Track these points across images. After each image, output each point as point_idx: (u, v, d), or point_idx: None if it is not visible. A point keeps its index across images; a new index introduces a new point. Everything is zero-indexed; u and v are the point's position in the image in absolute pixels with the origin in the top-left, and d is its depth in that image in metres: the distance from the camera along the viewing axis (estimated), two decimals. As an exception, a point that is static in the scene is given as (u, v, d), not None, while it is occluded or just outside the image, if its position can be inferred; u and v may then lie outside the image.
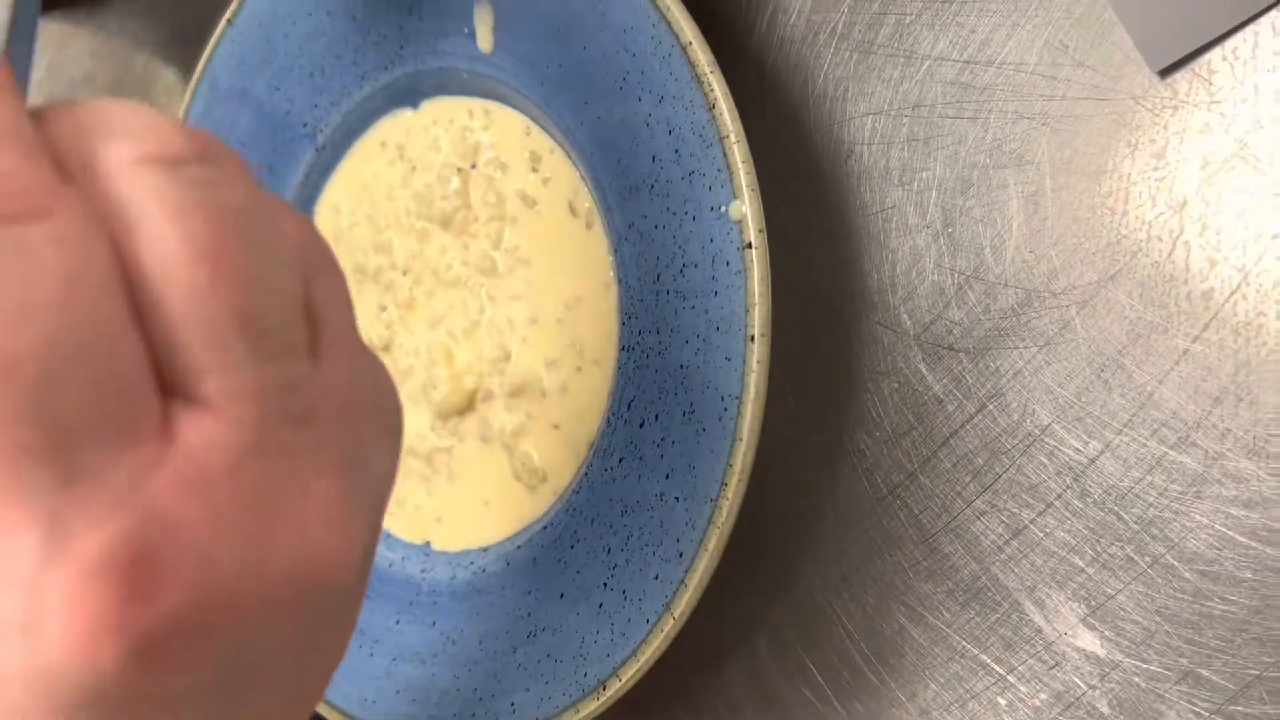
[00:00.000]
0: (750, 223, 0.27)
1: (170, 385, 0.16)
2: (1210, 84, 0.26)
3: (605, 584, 0.30)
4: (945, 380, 0.30)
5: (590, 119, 0.31)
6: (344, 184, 0.39)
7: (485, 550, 0.34)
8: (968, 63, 0.29)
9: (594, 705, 0.30)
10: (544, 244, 0.34)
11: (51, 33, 0.58)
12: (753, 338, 0.27)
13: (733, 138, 0.28)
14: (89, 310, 0.14)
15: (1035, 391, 0.29)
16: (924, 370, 0.30)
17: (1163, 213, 0.27)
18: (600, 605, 0.30)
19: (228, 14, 0.40)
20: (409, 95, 0.37)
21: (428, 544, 0.36)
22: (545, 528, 0.33)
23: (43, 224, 0.14)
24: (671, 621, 0.28)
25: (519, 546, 0.34)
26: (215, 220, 0.16)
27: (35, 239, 0.14)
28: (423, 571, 0.36)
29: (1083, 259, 0.28)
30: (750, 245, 0.27)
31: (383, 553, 0.37)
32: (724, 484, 0.28)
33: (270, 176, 0.40)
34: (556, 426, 0.33)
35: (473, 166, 0.35)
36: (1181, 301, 0.27)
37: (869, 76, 0.31)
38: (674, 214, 0.29)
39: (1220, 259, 0.26)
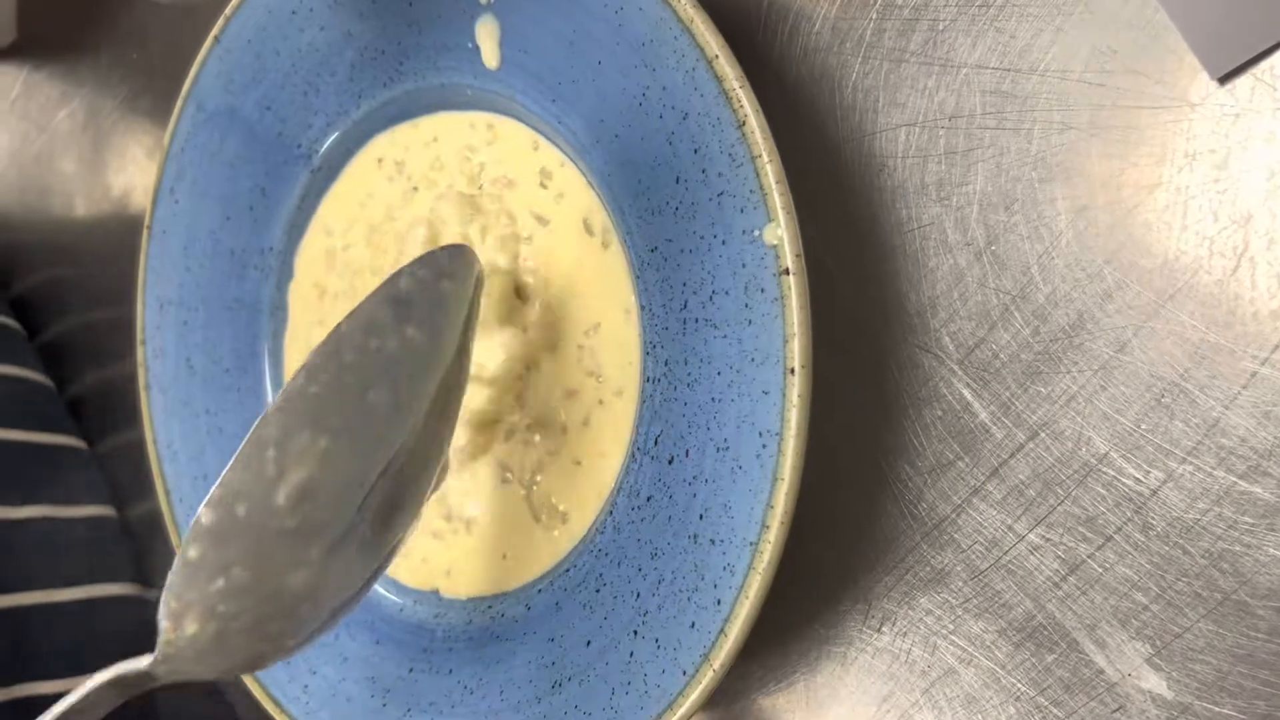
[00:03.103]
0: (787, 247, 0.26)
1: None
2: (1275, 90, 0.25)
3: (636, 631, 0.29)
4: (992, 407, 0.28)
5: (607, 137, 0.29)
6: (336, 204, 0.37)
7: (502, 595, 0.33)
8: (1008, 70, 0.28)
9: None
10: (559, 265, 0.32)
11: (21, 80, 0.56)
12: (793, 370, 0.26)
13: (765, 157, 0.26)
14: None
15: (1090, 418, 0.27)
16: (969, 396, 0.29)
17: (1226, 227, 0.25)
18: (631, 654, 0.29)
19: (214, 31, 0.38)
20: (408, 112, 0.35)
21: (435, 591, 0.34)
22: (568, 570, 0.31)
23: None
24: (711, 673, 0.27)
25: (540, 590, 0.32)
26: None
27: None
28: (435, 617, 0.34)
29: (1139, 277, 0.26)
30: (788, 271, 0.26)
31: (390, 598, 0.35)
32: (765, 527, 0.26)
33: (264, 199, 0.38)
34: (578, 463, 0.31)
35: (479, 188, 0.33)
36: (1248, 321, 0.25)
37: (901, 86, 0.29)
38: (701, 237, 0.28)
39: (1290, 276, 0.25)
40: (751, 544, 0.26)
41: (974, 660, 0.29)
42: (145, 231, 0.41)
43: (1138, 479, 0.26)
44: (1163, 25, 0.26)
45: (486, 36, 0.32)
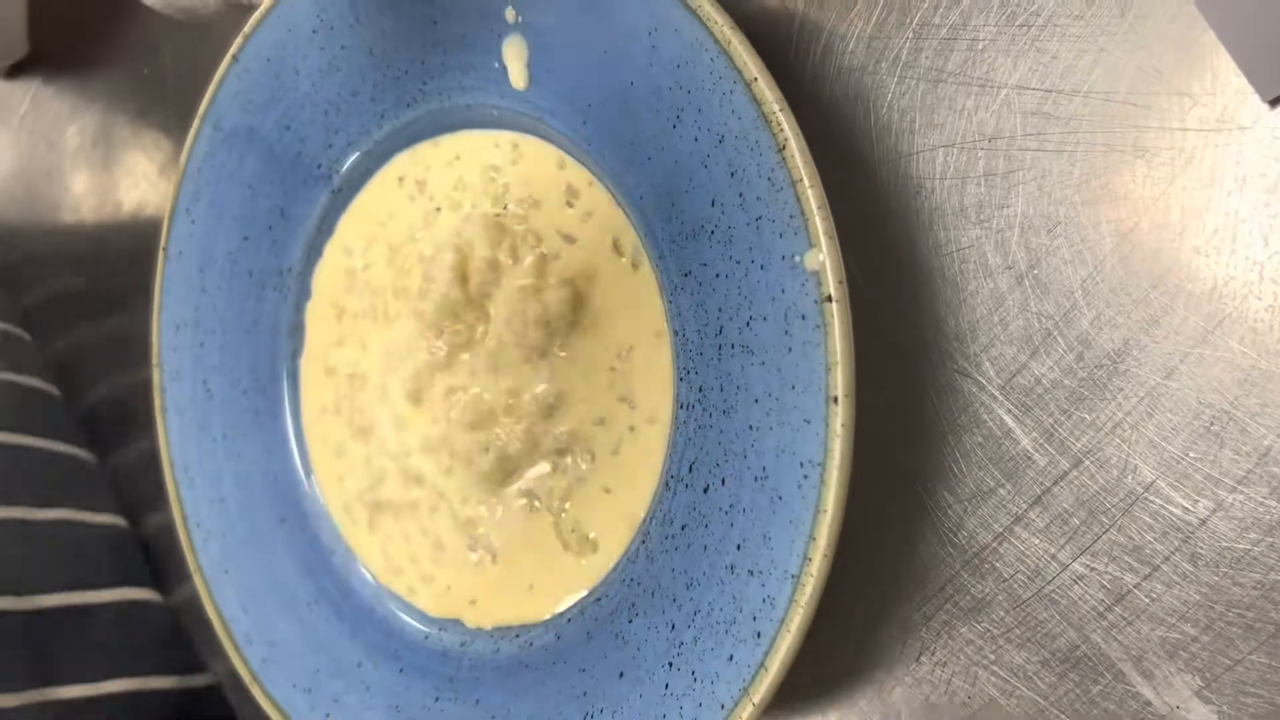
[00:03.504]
0: (830, 274, 0.25)
1: None
2: (1329, 113, 0.24)
3: (671, 663, 0.28)
4: (1035, 434, 0.28)
5: (639, 159, 0.29)
6: (356, 223, 0.37)
7: (529, 625, 0.32)
8: (1050, 91, 0.27)
9: None
10: (589, 286, 0.31)
11: (31, 95, 0.55)
12: (836, 399, 0.25)
13: (806, 181, 0.25)
14: None
15: (1137, 446, 0.26)
16: (1010, 423, 0.28)
17: (1277, 252, 0.25)
18: (666, 686, 0.28)
19: (232, 50, 0.37)
20: (429, 130, 0.35)
21: (458, 621, 0.34)
22: (599, 600, 0.30)
23: None
24: (751, 708, 0.26)
25: (570, 620, 0.31)
26: None
27: None
28: (462, 645, 0.34)
29: (1186, 302, 0.26)
30: (830, 298, 0.25)
31: (415, 625, 0.35)
32: (807, 559, 0.25)
33: (283, 220, 0.38)
34: (608, 490, 0.31)
35: (504, 208, 0.33)
36: (1300, 348, 0.25)
37: (939, 107, 0.29)
38: (738, 262, 0.27)
39: (1344, 302, 0.24)
40: (793, 576, 0.25)
41: (1016, 691, 0.28)
42: (161, 253, 0.40)
43: (1186, 508, 0.26)
44: (1210, 46, 0.25)
45: (514, 57, 0.31)
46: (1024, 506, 0.28)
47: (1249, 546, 0.25)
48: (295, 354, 0.38)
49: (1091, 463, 0.27)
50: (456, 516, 0.34)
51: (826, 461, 0.25)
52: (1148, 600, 0.26)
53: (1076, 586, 0.27)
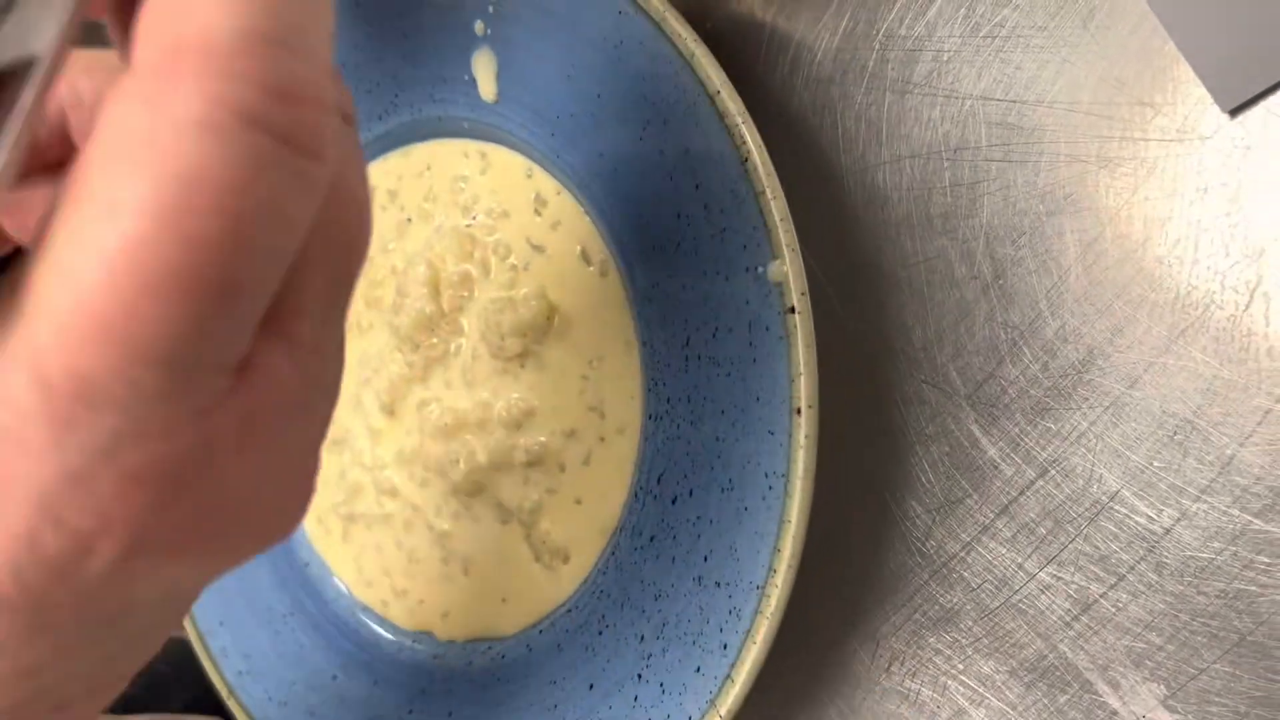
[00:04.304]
0: (792, 285, 0.25)
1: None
2: (1287, 123, 0.24)
3: (640, 675, 0.28)
4: (1001, 443, 0.28)
5: (606, 172, 0.29)
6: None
7: (502, 638, 0.32)
8: (1014, 102, 0.27)
9: None
10: (559, 294, 0.31)
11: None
12: (799, 410, 0.25)
13: (769, 194, 0.25)
14: (292, 239, 0.16)
15: (1102, 455, 0.26)
16: (977, 433, 0.28)
17: (1238, 262, 0.25)
18: (635, 698, 0.28)
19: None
20: (400, 140, 0.35)
21: (430, 633, 0.34)
22: (569, 611, 0.31)
23: (318, 165, 0.16)
24: (718, 719, 0.26)
25: (541, 631, 0.31)
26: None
27: (314, 173, 0.16)
28: (435, 658, 0.34)
29: (1149, 312, 0.26)
30: (793, 310, 0.25)
31: (388, 638, 0.35)
32: (772, 570, 0.25)
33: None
34: (579, 501, 0.31)
35: (473, 218, 0.33)
36: (1262, 358, 0.25)
37: (905, 118, 0.29)
38: (703, 274, 0.27)
39: (1304, 311, 0.24)
40: (758, 588, 0.26)
41: (985, 701, 0.28)
42: None
43: (1150, 517, 0.26)
44: (1172, 57, 0.25)
45: (483, 69, 0.31)
46: (991, 516, 0.28)
47: (1213, 555, 0.25)
48: None
49: (1057, 472, 0.27)
50: (430, 529, 0.34)
51: (790, 472, 0.25)
52: (1113, 609, 0.26)
53: (1043, 596, 0.27)
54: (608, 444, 0.30)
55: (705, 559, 0.27)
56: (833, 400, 0.29)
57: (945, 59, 0.28)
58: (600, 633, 0.29)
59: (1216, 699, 0.25)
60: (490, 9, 0.30)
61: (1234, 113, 0.25)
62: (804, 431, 0.25)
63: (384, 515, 0.35)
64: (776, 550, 0.25)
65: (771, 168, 0.26)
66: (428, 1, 0.31)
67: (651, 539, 0.29)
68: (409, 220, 0.34)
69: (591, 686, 0.29)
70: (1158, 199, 0.26)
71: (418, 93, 0.33)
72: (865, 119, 0.29)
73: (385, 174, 0.35)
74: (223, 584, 0.38)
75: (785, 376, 0.25)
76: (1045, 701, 0.27)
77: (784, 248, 0.25)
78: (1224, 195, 0.25)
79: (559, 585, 0.31)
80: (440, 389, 0.34)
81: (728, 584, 0.26)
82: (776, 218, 0.25)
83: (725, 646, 0.26)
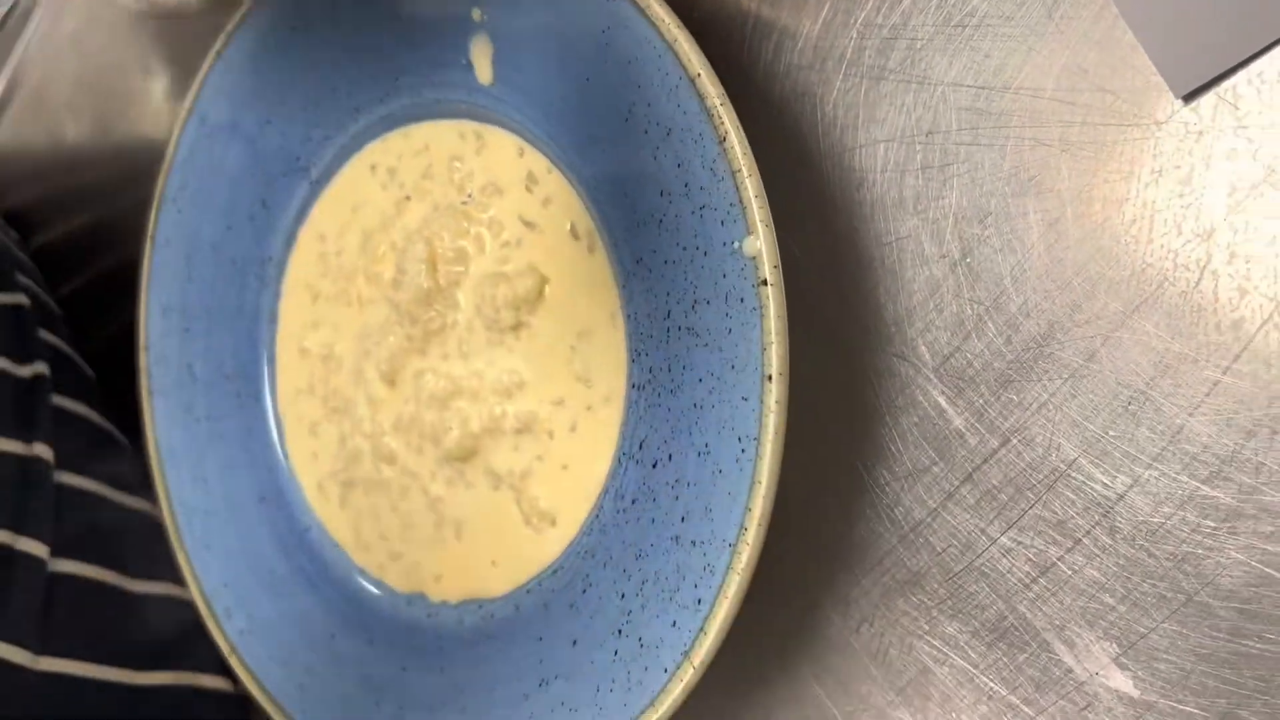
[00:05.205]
0: (765, 259, 0.26)
1: None
2: (1236, 108, 0.26)
3: (620, 630, 0.30)
4: (967, 414, 0.29)
5: (595, 152, 0.30)
6: (329, 209, 0.38)
7: (492, 599, 0.34)
8: (983, 88, 0.29)
9: None
10: (549, 269, 0.33)
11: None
12: (770, 377, 0.26)
13: (745, 172, 0.27)
14: None
15: (1060, 425, 0.28)
16: (944, 404, 0.29)
17: (1189, 241, 0.26)
18: (615, 653, 0.30)
19: (216, 47, 0.39)
20: (400, 120, 0.36)
21: (423, 595, 0.35)
22: (556, 572, 0.32)
23: None
24: (691, 670, 0.28)
25: (529, 591, 0.33)
26: None
27: None
28: (428, 617, 0.35)
29: (1107, 288, 0.27)
30: (766, 282, 0.26)
31: (383, 599, 0.36)
32: (743, 528, 0.27)
33: (264, 210, 0.39)
34: (565, 467, 0.32)
35: (468, 196, 0.34)
36: (1211, 332, 0.26)
37: (880, 103, 0.30)
38: (684, 249, 0.28)
39: (1250, 288, 0.25)
40: (730, 545, 0.27)
41: (948, 660, 0.30)
42: (149, 241, 0.42)
43: (1105, 484, 0.27)
44: (1130, 45, 0.27)
45: (480, 54, 0.33)
46: (956, 483, 0.29)
47: (1163, 520, 0.27)
48: (275, 339, 0.40)
49: (1018, 441, 0.28)
50: (425, 495, 0.35)
51: (762, 436, 0.26)
52: (1070, 572, 0.28)
53: (1004, 560, 0.29)
54: (594, 412, 0.32)
55: (683, 519, 0.28)
56: (807, 374, 0.31)
57: (919, 47, 0.30)
58: (584, 591, 0.31)
59: (1164, 656, 0.27)
60: (486, -5, 0.32)
61: (1188, 98, 0.26)
62: (774, 397, 0.26)
63: (381, 481, 0.36)
64: (748, 509, 0.27)
65: (748, 147, 0.27)
66: None
67: (633, 502, 0.30)
68: (407, 198, 0.36)
69: (575, 643, 0.31)
70: (1115, 181, 0.27)
71: (418, 76, 0.35)
72: (843, 104, 0.31)
73: (386, 153, 0.36)
74: (227, 547, 0.40)
75: (758, 345, 0.27)
76: (1005, 660, 0.29)
77: (758, 224, 0.27)
78: (1176, 177, 0.26)
79: (546, 547, 0.32)
80: (437, 360, 0.35)
81: (703, 542, 0.28)
82: (751, 194, 0.27)
83: (699, 601, 0.28)
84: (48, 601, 0.38)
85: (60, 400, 0.43)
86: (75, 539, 0.40)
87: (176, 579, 0.43)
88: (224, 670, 0.43)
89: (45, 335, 0.45)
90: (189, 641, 0.42)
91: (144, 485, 0.44)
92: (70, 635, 0.38)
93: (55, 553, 0.39)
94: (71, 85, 0.54)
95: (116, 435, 0.47)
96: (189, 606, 0.43)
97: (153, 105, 0.50)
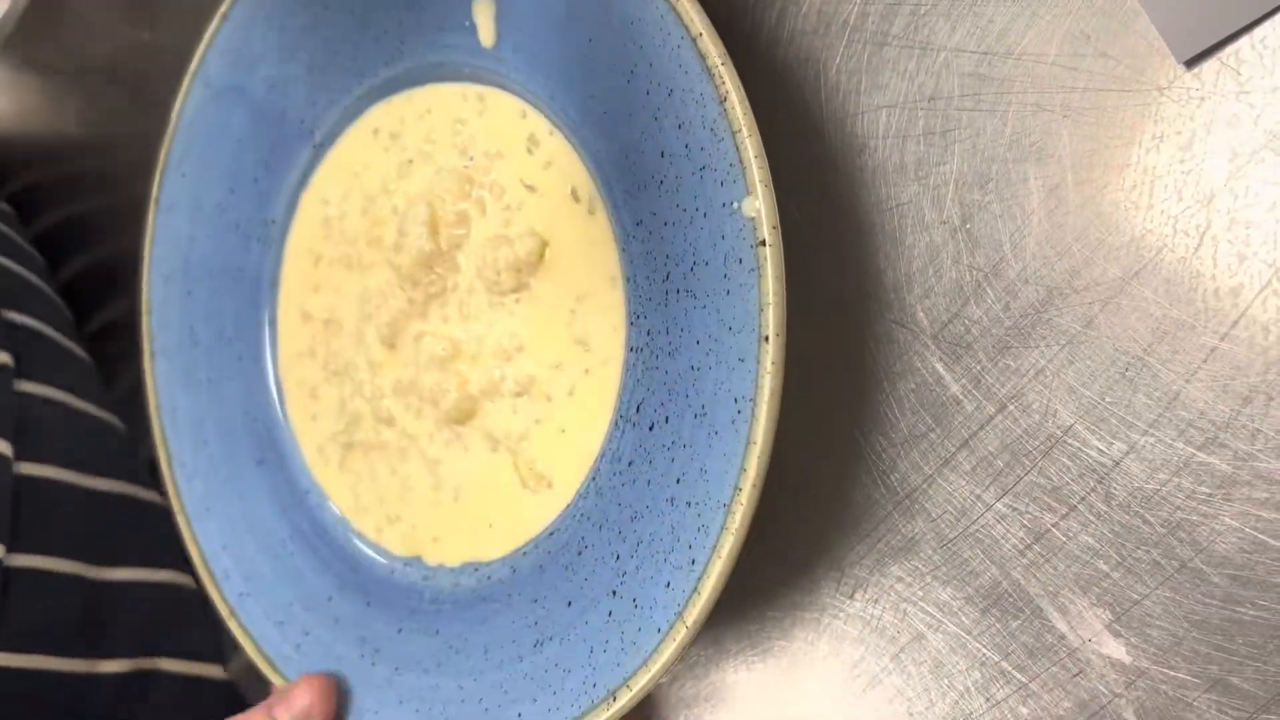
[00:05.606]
0: (764, 219, 0.26)
1: None
2: (1239, 74, 0.25)
3: (614, 591, 0.30)
4: (964, 380, 0.29)
5: (596, 113, 0.30)
6: (332, 173, 0.38)
7: (489, 561, 0.34)
8: (985, 54, 0.29)
9: (604, 716, 0.29)
10: (550, 232, 0.33)
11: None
12: (767, 338, 0.26)
13: (745, 132, 0.27)
14: None
15: (1057, 391, 0.28)
16: (941, 370, 0.29)
17: (1189, 207, 0.26)
18: (609, 614, 0.30)
19: (222, 9, 0.39)
20: (403, 84, 0.36)
21: (420, 558, 0.35)
22: (552, 534, 0.32)
23: None
24: (684, 631, 0.28)
25: (525, 554, 0.33)
26: None
27: None
28: (424, 579, 0.35)
29: (1106, 254, 0.27)
30: (764, 243, 0.26)
31: (380, 561, 0.36)
32: (738, 489, 0.27)
33: (267, 173, 0.39)
34: (563, 431, 0.32)
35: (470, 159, 0.34)
36: (1209, 298, 0.26)
37: (883, 69, 0.30)
38: (684, 210, 0.28)
39: (1249, 254, 0.25)
40: (725, 505, 0.27)
41: (942, 626, 0.30)
42: (153, 205, 0.42)
43: (1101, 450, 0.27)
44: (1133, 11, 0.27)
45: (483, 15, 0.33)
46: (952, 450, 0.29)
47: (1158, 486, 0.27)
48: (276, 302, 0.40)
49: (1015, 408, 0.28)
50: (424, 457, 0.35)
51: (757, 396, 0.26)
52: (1064, 538, 0.28)
53: (999, 526, 0.29)
54: (592, 375, 0.32)
55: (678, 481, 0.28)
56: (805, 339, 0.31)
57: (922, 13, 0.29)
58: (580, 553, 0.31)
59: (1157, 623, 0.27)
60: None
61: (1189, 64, 0.26)
62: (770, 358, 0.26)
63: (380, 443, 0.36)
64: (743, 470, 0.27)
65: (748, 106, 0.27)
66: None
67: (630, 464, 0.30)
68: (410, 161, 0.36)
69: (570, 604, 0.31)
70: (1116, 147, 0.27)
71: (421, 39, 0.35)
72: (846, 70, 0.31)
73: (389, 116, 0.36)
74: (226, 510, 0.40)
75: (755, 306, 0.27)
76: (999, 626, 0.29)
77: (757, 184, 0.27)
78: (1177, 143, 0.26)
79: (543, 510, 0.32)
80: (438, 323, 0.35)
81: (697, 503, 0.28)
82: (751, 154, 0.27)
83: (693, 562, 0.28)
84: (15, 502, 0.40)
85: (14, 315, 0.45)
86: (38, 442, 0.42)
87: (136, 479, 0.46)
88: (185, 566, 0.45)
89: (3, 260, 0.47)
90: (151, 538, 0.45)
91: (105, 395, 0.48)
92: (38, 532, 0.40)
93: (20, 456, 0.40)
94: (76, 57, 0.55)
95: (78, 352, 0.49)
96: (150, 506, 0.46)
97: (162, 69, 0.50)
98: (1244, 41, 0.25)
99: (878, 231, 0.30)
